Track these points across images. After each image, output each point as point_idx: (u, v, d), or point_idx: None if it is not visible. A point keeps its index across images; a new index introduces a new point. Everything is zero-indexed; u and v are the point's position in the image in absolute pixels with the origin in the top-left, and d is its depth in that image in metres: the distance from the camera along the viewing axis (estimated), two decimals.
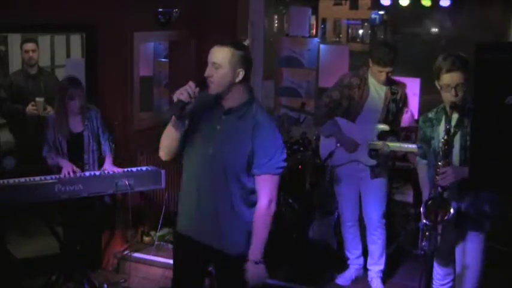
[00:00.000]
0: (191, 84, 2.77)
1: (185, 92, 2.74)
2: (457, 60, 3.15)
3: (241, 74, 2.82)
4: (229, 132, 2.85)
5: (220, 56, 2.79)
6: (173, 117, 2.80)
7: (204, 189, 2.90)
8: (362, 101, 4.30)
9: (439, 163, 3.17)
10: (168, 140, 2.91)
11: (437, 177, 3.19)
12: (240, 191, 2.88)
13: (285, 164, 2.88)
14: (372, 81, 4.31)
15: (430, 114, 3.41)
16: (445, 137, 3.17)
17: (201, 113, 2.90)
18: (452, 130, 3.20)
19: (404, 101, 4.42)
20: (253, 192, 2.90)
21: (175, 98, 2.76)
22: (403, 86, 4.40)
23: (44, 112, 4.93)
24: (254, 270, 2.87)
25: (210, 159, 2.86)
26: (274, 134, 2.88)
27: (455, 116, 3.22)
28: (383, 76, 4.23)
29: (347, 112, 4.35)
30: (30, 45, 5.33)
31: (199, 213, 2.92)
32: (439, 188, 3.19)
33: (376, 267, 4.49)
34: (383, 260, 4.48)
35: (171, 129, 2.86)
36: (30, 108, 5.02)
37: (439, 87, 3.24)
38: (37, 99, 5.00)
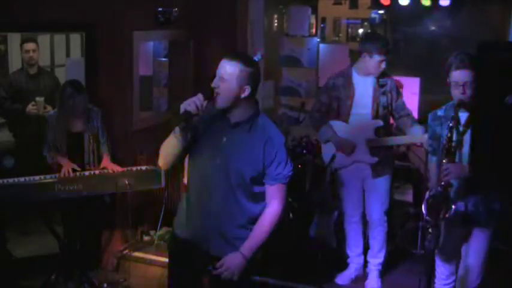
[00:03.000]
0: (200, 96, 2.75)
1: (193, 104, 2.72)
2: (467, 58, 3.17)
3: (247, 90, 2.81)
4: (236, 144, 2.85)
5: (228, 70, 2.77)
6: (176, 128, 2.77)
7: (213, 198, 2.90)
8: (349, 99, 4.29)
9: (444, 160, 3.18)
10: (169, 150, 2.88)
11: (441, 174, 3.19)
12: (247, 199, 2.90)
13: (292, 173, 2.94)
14: (357, 79, 4.28)
15: (439, 112, 3.41)
16: (448, 134, 3.17)
17: (206, 125, 2.89)
18: (461, 129, 3.20)
19: (397, 92, 4.36)
20: (258, 200, 2.93)
21: (182, 109, 2.74)
22: (392, 78, 4.36)
23: (44, 111, 4.92)
24: (237, 262, 2.85)
25: (218, 169, 2.87)
26: (284, 146, 2.92)
27: (464, 115, 3.22)
28: (383, 65, 4.19)
29: (338, 113, 4.34)
30: (30, 45, 5.32)
31: (208, 222, 2.92)
32: (440, 186, 3.19)
33: (375, 260, 4.54)
34: (382, 254, 4.53)
35: (173, 140, 2.83)
36: (30, 107, 5.02)
37: (449, 84, 3.26)
38: (37, 98, 5.00)
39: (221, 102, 2.80)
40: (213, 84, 2.79)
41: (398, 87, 4.42)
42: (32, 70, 5.34)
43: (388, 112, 4.35)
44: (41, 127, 4.55)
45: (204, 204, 2.94)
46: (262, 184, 2.92)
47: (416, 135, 4.21)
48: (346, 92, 4.29)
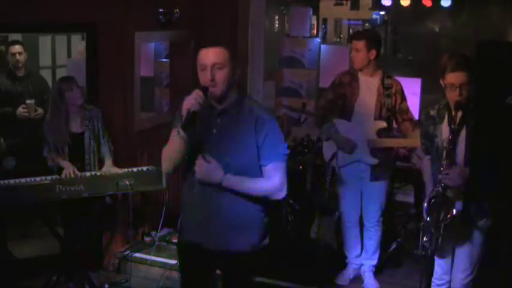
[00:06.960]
0: (198, 92, 2.72)
1: (195, 102, 2.69)
2: (462, 60, 3.15)
3: (238, 71, 2.82)
4: (227, 133, 2.81)
5: (221, 55, 2.75)
6: (180, 130, 2.73)
7: (210, 194, 2.84)
8: (354, 98, 4.30)
9: (443, 162, 3.17)
10: (175, 153, 2.84)
11: (439, 176, 3.19)
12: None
13: (288, 151, 2.88)
14: (363, 78, 4.30)
15: (432, 112, 3.40)
16: (450, 137, 3.16)
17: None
18: (456, 127, 3.20)
19: (402, 95, 4.33)
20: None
21: (184, 110, 2.71)
22: (397, 81, 4.34)
23: (35, 114, 4.93)
24: (217, 175, 2.76)
25: None
26: (275, 124, 2.87)
27: (459, 115, 3.21)
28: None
29: (343, 111, 4.36)
30: (15, 48, 5.22)
31: (208, 219, 2.88)
32: (441, 188, 3.20)
33: (369, 261, 4.56)
34: (376, 256, 4.56)
35: (177, 142, 2.78)
36: (20, 110, 4.99)
37: (443, 86, 3.24)
38: (27, 101, 4.98)
39: (220, 90, 2.76)
40: (209, 78, 2.74)
41: (403, 91, 4.39)
42: (19, 72, 5.26)
43: (391, 114, 4.33)
44: (32, 130, 4.54)
45: (202, 203, 2.89)
46: (260, 169, 2.84)
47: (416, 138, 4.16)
48: (351, 90, 4.30)
